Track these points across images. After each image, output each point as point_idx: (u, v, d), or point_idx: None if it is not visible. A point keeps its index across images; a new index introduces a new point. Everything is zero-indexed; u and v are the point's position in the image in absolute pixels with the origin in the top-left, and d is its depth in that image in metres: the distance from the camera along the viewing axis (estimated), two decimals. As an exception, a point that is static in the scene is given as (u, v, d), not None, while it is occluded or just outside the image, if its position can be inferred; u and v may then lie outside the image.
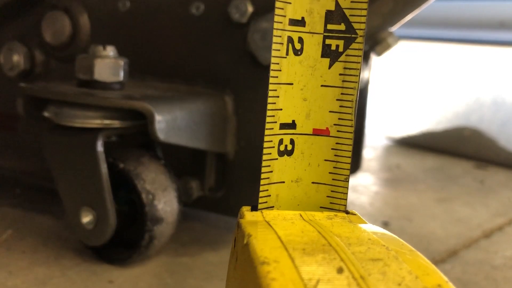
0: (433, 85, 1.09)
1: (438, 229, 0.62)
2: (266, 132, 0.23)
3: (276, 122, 0.24)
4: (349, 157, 0.24)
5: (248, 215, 0.23)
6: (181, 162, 0.54)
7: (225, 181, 0.54)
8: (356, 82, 0.23)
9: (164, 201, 0.46)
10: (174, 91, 0.51)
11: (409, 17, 0.60)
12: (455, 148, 1.03)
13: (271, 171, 0.24)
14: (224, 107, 0.52)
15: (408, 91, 1.13)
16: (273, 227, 0.21)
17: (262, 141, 0.51)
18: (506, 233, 0.62)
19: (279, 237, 0.20)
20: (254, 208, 0.24)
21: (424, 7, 0.59)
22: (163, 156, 0.50)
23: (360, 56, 0.23)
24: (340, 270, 0.17)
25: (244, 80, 0.52)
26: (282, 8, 0.22)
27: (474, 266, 0.52)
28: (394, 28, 0.61)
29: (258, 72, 0.51)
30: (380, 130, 1.15)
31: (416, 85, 1.12)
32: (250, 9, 0.50)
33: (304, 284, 0.16)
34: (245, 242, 0.20)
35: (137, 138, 0.51)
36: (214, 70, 0.53)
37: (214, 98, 0.51)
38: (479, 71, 1.04)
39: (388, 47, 0.59)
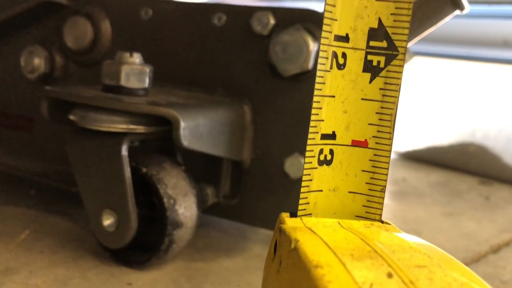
0: (439, 100, 1.11)
1: (446, 242, 0.63)
2: (308, 142, 0.25)
3: (318, 132, 0.25)
4: (387, 168, 0.25)
5: (288, 221, 0.24)
6: (196, 169, 0.54)
7: (240, 189, 0.55)
8: (396, 97, 0.25)
9: (185, 206, 0.46)
10: (195, 99, 0.52)
11: (423, 35, 0.61)
12: (460, 163, 1.04)
13: (311, 180, 0.25)
14: (243, 116, 0.53)
15: (413, 106, 1.15)
16: (317, 233, 0.22)
17: (278, 150, 0.52)
18: (513, 249, 0.63)
19: (325, 243, 0.21)
20: (293, 214, 0.25)
21: (439, 25, 0.60)
22: (182, 162, 0.51)
23: (400, 72, 0.24)
24: (389, 275, 0.18)
25: (263, 91, 0.53)
26: (329, 25, 0.24)
27: (484, 281, 0.53)
28: (409, 45, 0.62)
29: (277, 83, 0.52)
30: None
31: (421, 100, 1.14)
32: (272, 21, 0.51)
33: (359, 287, 0.17)
34: (292, 246, 0.21)
35: (158, 143, 0.52)
36: (234, 80, 0.54)
37: (233, 107, 0.52)
38: (485, 88, 1.05)
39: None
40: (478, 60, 1.08)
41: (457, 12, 0.57)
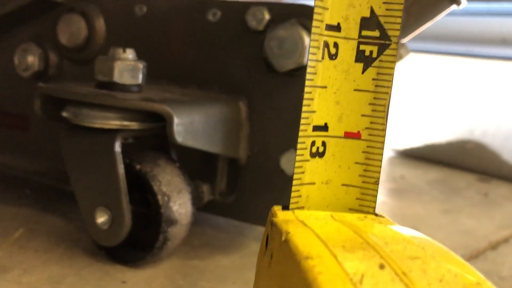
0: (437, 98, 1.11)
1: (445, 239, 0.62)
2: (300, 133, 0.24)
3: (309, 124, 0.24)
4: (380, 160, 0.25)
5: (280, 214, 0.24)
6: (192, 166, 0.54)
7: (236, 186, 0.54)
8: (389, 87, 0.24)
9: (179, 203, 0.46)
10: (190, 96, 0.52)
11: (420, 30, 0.61)
12: (458, 160, 1.04)
13: (303, 172, 0.25)
14: (238, 113, 0.52)
15: (411, 103, 1.15)
16: (309, 226, 0.22)
17: (274, 147, 0.52)
18: None
19: (317, 235, 0.20)
20: (285, 207, 0.25)
21: (435, 20, 0.60)
22: (177, 159, 0.51)
23: (393, 62, 0.24)
24: (381, 266, 0.18)
25: (258, 87, 0.52)
26: (320, 14, 0.23)
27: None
28: (405, 40, 0.62)
29: (273, 79, 0.51)
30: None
31: (419, 98, 1.13)
32: (267, 16, 0.51)
33: (350, 279, 0.17)
34: (283, 239, 0.20)
35: (152, 140, 0.52)
36: (229, 76, 0.53)
37: (229, 103, 0.52)
38: (483, 85, 1.05)
39: (400, 58, 0.60)
40: (478, 57, 1.08)
41: (454, 7, 0.56)
